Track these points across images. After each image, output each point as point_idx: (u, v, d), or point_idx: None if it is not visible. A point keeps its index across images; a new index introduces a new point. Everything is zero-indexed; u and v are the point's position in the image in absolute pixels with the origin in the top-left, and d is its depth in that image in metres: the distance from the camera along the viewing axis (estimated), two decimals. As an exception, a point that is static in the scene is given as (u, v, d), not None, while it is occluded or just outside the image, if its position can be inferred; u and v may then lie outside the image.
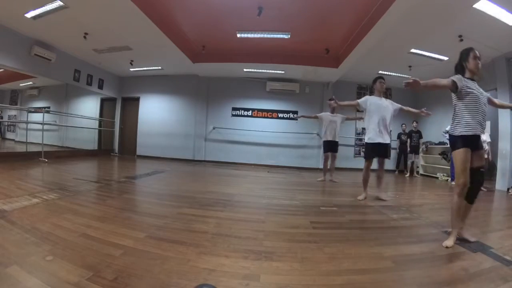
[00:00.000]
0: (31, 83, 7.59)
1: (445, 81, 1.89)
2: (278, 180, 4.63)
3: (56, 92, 7.37)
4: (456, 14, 3.60)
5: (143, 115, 7.80)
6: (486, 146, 4.65)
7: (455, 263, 1.45)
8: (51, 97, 7.71)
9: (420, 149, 6.67)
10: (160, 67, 6.98)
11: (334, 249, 1.60)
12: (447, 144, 5.67)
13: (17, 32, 4.74)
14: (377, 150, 3.16)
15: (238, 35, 4.91)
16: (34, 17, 4.15)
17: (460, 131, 1.84)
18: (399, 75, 6.44)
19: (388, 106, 3.19)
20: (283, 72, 6.55)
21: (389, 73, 6.44)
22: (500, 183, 4.69)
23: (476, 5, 3.30)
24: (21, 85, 7.72)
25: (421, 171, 6.85)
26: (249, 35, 4.91)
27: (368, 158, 3.26)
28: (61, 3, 3.77)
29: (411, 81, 1.82)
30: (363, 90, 7.60)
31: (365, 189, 3.29)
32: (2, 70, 5.70)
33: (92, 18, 4.22)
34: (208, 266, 1.29)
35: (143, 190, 3.31)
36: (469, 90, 1.83)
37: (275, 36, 4.89)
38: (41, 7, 3.88)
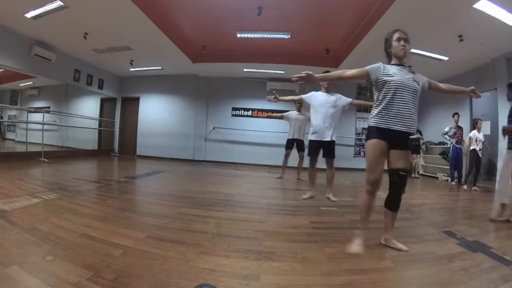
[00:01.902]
0: (31, 83, 7.59)
1: (353, 72, 1.68)
2: (278, 180, 4.62)
3: (56, 92, 7.38)
4: (456, 14, 3.60)
5: (143, 115, 7.80)
6: (480, 145, 4.65)
7: (455, 263, 1.45)
8: (51, 97, 7.72)
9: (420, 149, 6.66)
10: (160, 67, 6.98)
11: (334, 249, 1.60)
12: (447, 145, 5.67)
13: (17, 32, 4.74)
14: (320, 148, 3.03)
15: (238, 35, 4.91)
16: (34, 17, 4.14)
17: (373, 121, 1.62)
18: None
19: (335, 101, 3.02)
20: (283, 72, 6.55)
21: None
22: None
23: (476, 5, 3.29)
24: (21, 85, 7.73)
25: (421, 171, 6.85)
26: (249, 35, 4.91)
27: (311, 156, 3.11)
28: (61, 3, 3.77)
29: (304, 74, 1.64)
30: (363, 90, 7.59)
31: (311, 188, 3.17)
32: (2, 70, 5.71)
33: (92, 18, 4.22)
34: (208, 266, 1.29)
35: (143, 190, 3.31)
36: (388, 78, 1.58)
37: (275, 36, 4.89)
38: (41, 7, 3.87)
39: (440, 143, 6.28)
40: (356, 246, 1.57)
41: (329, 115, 2.98)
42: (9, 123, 8.90)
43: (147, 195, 3.01)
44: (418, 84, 1.62)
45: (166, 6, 4.17)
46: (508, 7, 3.31)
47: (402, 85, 1.56)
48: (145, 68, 7.02)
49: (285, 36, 4.87)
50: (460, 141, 5.12)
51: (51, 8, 3.89)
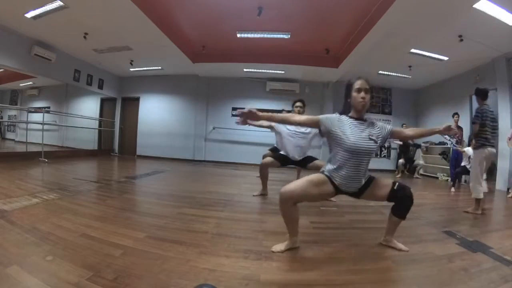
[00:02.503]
0: (31, 83, 7.59)
1: (303, 118, 1.55)
2: (278, 180, 4.62)
3: (56, 92, 7.38)
4: (456, 14, 3.60)
5: (143, 115, 7.80)
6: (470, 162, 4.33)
7: (455, 263, 1.45)
8: (51, 97, 7.72)
9: (421, 149, 6.66)
10: (160, 67, 6.98)
11: (334, 249, 1.60)
12: (447, 144, 5.67)
13: (17, 32, 4.74)
14: (289, 162, 2.96)
15: (238, 35, 4.91)
16: (34, 17, 4.14)
17: (328, 171, 1.53)
18: (399, 75, 6.45)
19: (306, 131, 2.86)
20: (283, 72, 6.55)
21: (389, 73, 6.45)
22: (500, 183, 4.69)
23: (476, 5, 3.30)
24: (21, 85, 7.73)
25: (421, 171, 6.84)
26: (249, 35, 4.91)
27: (269, 157, 3.04)
28: (61, 3, 3.77)
29: (246, 111, 1.54)
30: (363, 90, 7.61)
31: (263, 186, 3.12)
32: (2, 70, 5.70)
33: (92, 18, 4.22)
34: (208, 266, 1.29)
35: (143, 190, 3.31)
36: (343, 137, 1.45)
37: (275, 36, 4.89)
38: (41, 7, 3.87)
39: (440, 143, 6.28)
40: (281, 246, 1.52)
41: (299, 146, 2.88)
42: (9, 123, 8.90)
43: (147, 195, 3.01)
44: (376, 142, 1.51)
45: (166, 6, 4.17)
46: (508, 7, 3.31)
47: (357, 150, 1.45)
48: (145, 68, 7.02)
49: (285, 36, 4.87)
50: (460, 141, 5.12)
51: (51, 8, 3.89)
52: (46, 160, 4.93)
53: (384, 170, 7.34)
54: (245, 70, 6.58)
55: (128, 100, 8.02)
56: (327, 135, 1.53)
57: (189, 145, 7.43)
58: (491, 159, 2.88)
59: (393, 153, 7.51)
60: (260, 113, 1.53)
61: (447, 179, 5.70)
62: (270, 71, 6.58)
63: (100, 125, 7.76)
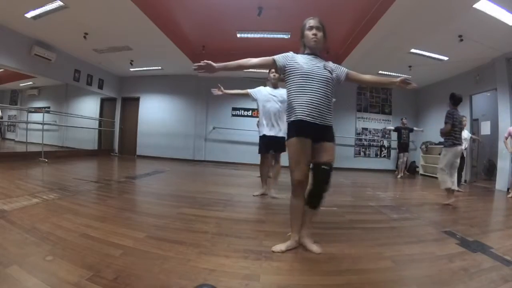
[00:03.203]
0: (31, 83, 7.58)
1: (258, 60, 1.58)
2: (278, 180, 4.62)
3: (56, 92, 7.37)
4: (456, 14, 3.60)
5: (143, 115, 7.80)
6: (466, 144, 4.46)
7: (455, 263, 1.45)
8: (51, 97, 7.71)
9: (421, 149, 6.65)
10: (160, 67, 6.98)
11: (334, 249, 1.60)
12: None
13: (17, 32, 4.74)
14: (271, 144, 2.91)
15: (238, 35, 4.91)
16: (34, 17, 4.15)
17: (291, 117, 1.51)
18: (399, 75, 6.43)
19: (282, 96, 2.83)
20: (283, 72, 6.54)
21: (389, 73, 6.44)
22: (500, 183, 4.69)
23: (476, 5, 3.30)
24: (21, 85, 7.72)
25: (421, 171, 6.84)
26: (249, 35, 4.91)
27: (262, 153, 3.02)
28: (61, 3, 3.77)
29: (203, 64, 1.60)
30: (363, 90, 7.61)
31: (263, 185, 3.11)
32: (2, 70, 5.70)
33: (92, 18, 4.22)
34: (208, 266, 1.29)
35: (143, 190, 3.31)
36: (296, 65, 1.49)
37: (275, 36, 4.89)
38: (41, 7, 3.88)
39: (440, 143, 6.27)
40: (282, 247, 1.51)
41: (276, 110, 2.87)
42: (9, 123, 8.89)
43: (147, 195, 3.01)
44: (331, 73, 1.51)
45: (166, 6, 4.17)
46: (508, 7, 3.31)
47: (311, 74, 1.46)
48: (145, 68, 7.02)
49: (285, 36, 4.87)
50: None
51: (51, 8, 3.89)
52: (46, 160, 4.93)
53: (384, 170, 7.35)
54: (245, 70, 6.57)
55: (128, 100, 8.02)
56: (283, 72, 1.56)
57: (189, 145, 7.43)
58: (458, 156, 3.23)
59: (393, 153, 7.50)
60: (215, 64, 1.63)
61: (447, 179, 5.69)
62: (270, 71, 6.58)
63: (100, 125, 7.77)
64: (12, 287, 1.01)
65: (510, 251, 1.64)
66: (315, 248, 1.52)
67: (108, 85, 7.49)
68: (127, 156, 7.59)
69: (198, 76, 7.32)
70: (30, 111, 6.61)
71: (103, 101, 7.93)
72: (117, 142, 7.98)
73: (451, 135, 3.12)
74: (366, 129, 7.62)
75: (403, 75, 1.78)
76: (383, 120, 7.71)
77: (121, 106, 8.03)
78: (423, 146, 6.67)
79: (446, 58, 5.09)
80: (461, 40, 4.21)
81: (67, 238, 1.49)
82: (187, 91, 7.53)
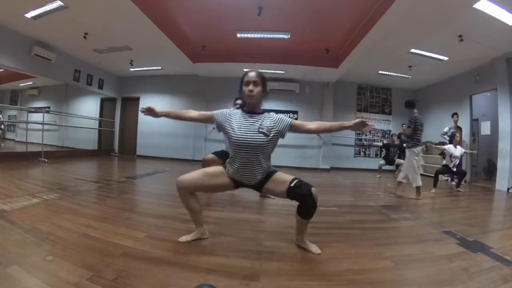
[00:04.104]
0: (31, 83, 7.59)
1: (197, 114, 1.62)
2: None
3: (56, 92, 7.37)
4: (456, 14, 3.60)
5: (143, 115, 7.77)
6: (456, 162, 4.28)
7: (455, 263, 1.45)
8: (51, 97, 7.71)
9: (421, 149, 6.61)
10: (160, 67, 6.98)
11: (334, 249, 1.60)
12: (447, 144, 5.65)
13: (17, 32, 4.74)
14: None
15: (238, 35, 4.91)
16: (34, 17, 4.14)
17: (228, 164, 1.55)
18: (399, 75, 6.45)
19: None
20: (283, 72, 6.55)
21: (389, 73, 6.45)
22: (500, 183, 4.69)
23: (476, 5, 3.30)
24: (21, 85, 7.73)
25: (421, 171, 6.83)
26: (249, 35, 4.91)
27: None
28: (61, 3, 3.77)
29: (146, 108, 1.66)
30: (363, 90, 7.61)
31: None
32: (2, 70, 5.70)
33: (92, 18, 4.22)
34: (208, 266, 1.29)
35: (143, 190, 3.31)
36: (230, 131, 1.48)
37: (275, 36, 4.89)
38: (41, 7, 3.88)
39: (440, 143, 6.28)
40: (188, 237, 1.58)
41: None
42: (9, 123, 8.89)
43: (147, 195, 3.01)
44: (267, 135, 1.44)
45: (166, 6, 4.17)
46: (508, 7, 3.31)
47: (243, 144, 1.43)
48: (145, 68, 7.02)
49: (285, 36, 4.87)
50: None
51: (51, 8, 3.89)
52: (46, 160, 4.93)
53: (384, 170, 7.32)
54: (245, 70, 6.48)
55: (128, 100, 8.02)
56: (221, 130, 1.58)
57: (189, 145, 7.42)
58: (418, 154, 3.63)
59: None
60: (159, 111, 1.66)
61: (447, 179, 5.70)
62: (270, 71, 6.57)
63: (100, 125, 7.76)
64: (12, 287, 1.01)
65: (510, 251, 1.64)
66: (314, 248, 1.53)
67: (108, 85, 7.48)
68: (127, 156, 7.59)
69: (199, 76, 7.34)
70: (30, 111, 6.61)
71: (103, 101, 7.92)
72: (117, 142, 7.98)
73: (413, 137, 3.50)
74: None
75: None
76: (383, 120, 7.72)
77: (121, 106, 8.02)
78: (423, 146, 6.66)
79: (446, 58, 5.09)
80: (461, 40, 4.21)
81: (67, 238, 1.49)
82: (187, 91, 7.53)
